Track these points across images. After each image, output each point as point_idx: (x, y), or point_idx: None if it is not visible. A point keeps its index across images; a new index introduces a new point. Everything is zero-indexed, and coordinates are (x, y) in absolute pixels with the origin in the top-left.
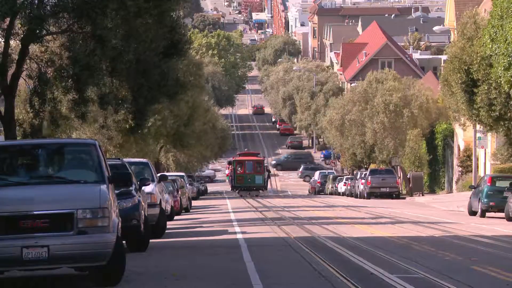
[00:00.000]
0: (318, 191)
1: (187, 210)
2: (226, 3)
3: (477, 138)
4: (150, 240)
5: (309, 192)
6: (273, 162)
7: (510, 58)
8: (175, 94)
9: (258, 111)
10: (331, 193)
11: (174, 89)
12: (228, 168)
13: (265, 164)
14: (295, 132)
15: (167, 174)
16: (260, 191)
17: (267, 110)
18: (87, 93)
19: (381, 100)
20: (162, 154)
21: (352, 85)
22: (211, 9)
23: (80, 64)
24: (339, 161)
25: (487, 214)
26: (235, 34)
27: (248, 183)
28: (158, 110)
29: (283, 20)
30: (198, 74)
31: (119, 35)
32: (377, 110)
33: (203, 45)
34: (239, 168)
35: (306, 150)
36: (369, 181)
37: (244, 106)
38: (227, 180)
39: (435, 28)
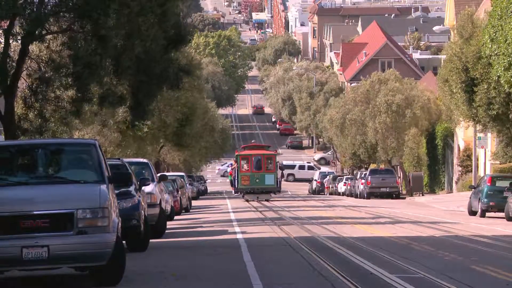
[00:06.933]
0: (318, 191)
1: (187, 210)
2: (226, 3)
3: (477, 138)
4: (150, 240)
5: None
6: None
7: (510, 58)
8: (178, 82)
9: (258, 111)
10: (331, 193)
11: (177, 76)
12: (231, 166)
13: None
14: (295, 132)
15: (167, 174)
16: (272, 194)
17: (267, 110)
18: (88, 92)
19: (383, 100)
20: (164, 153)
21: (352, 84)
22: (211, 9)
23: (82, 62)
24: (339, 161)
25: (487, 214)
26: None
27: (256, 184)
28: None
29: (283, 20)
30: (196, 75)
31: (121, 34)
32: (379, 109)
33: (201, 45)
34: (244, 165)
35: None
36: (369, 181)
37: (244, 106)
38: (228, 180)
39: (435, 28)
